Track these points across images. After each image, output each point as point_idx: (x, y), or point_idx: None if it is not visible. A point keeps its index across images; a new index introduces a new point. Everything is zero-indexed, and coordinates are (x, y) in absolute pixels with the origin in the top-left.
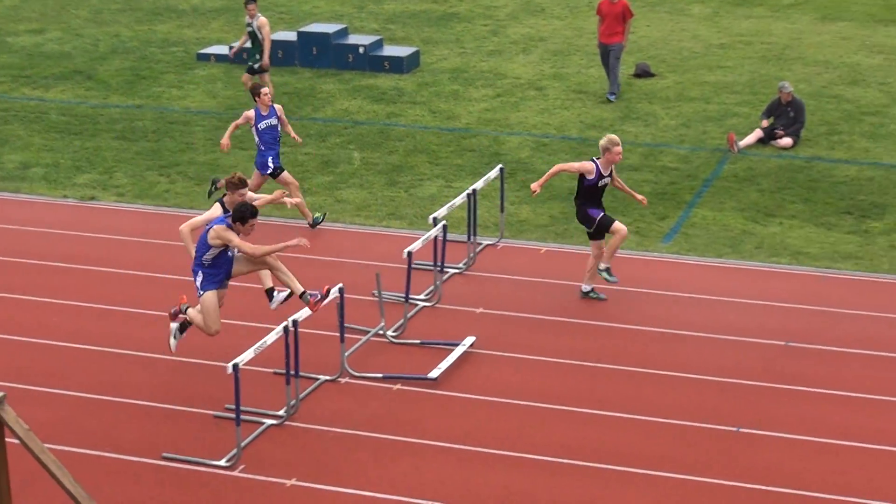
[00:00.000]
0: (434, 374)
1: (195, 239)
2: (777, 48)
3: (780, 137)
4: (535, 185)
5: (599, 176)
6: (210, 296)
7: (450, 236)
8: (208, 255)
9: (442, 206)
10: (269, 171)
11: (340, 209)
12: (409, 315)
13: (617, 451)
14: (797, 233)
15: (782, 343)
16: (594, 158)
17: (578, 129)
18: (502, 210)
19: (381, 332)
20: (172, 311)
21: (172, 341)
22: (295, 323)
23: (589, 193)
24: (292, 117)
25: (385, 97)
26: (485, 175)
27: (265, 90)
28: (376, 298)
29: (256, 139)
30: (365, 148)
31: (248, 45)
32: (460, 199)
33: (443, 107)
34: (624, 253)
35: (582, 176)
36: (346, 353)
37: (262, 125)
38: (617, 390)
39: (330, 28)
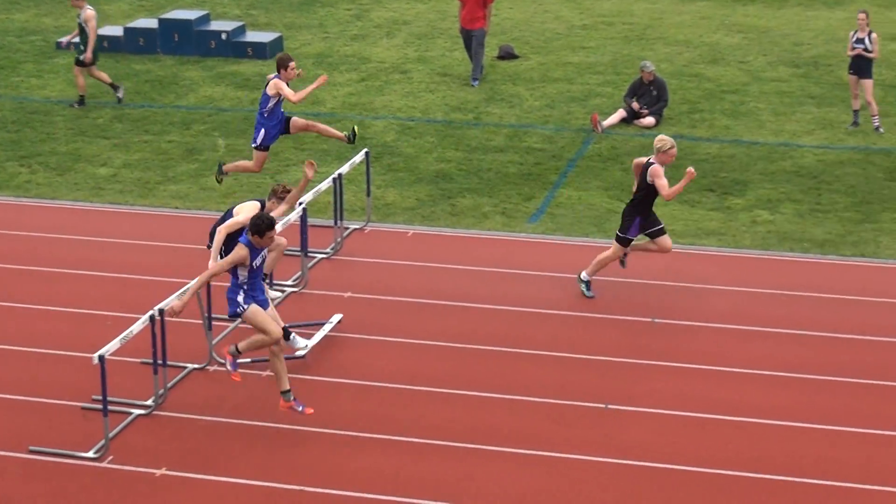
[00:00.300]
0: (301, 352)
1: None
2: (638, 28)
3: (644, 116)
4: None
5: None
6: (253, 307)
7: (317, 221)
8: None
9: (308, 191)
10: (257, 144)
11: (206, 196)
12: (275, 301)
13: (487, 430)
14: (661, 210)
15: (648, 319)
16: (651, 157)
17: (444, 111)
18: (368, 194)
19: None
20: (230, 366)
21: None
22: (161, 312)
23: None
24: (154, 105)
25: (249, 83)
26: (350, 159)
27: (293, 64)
28: None
29: (270, 106)
30: (229, 135)
31: (78, 38)
32: (326, 184)
33: None
34: (490, 234)
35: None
36: (214, 341)
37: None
38: (485, 371)
39: (192, 14)
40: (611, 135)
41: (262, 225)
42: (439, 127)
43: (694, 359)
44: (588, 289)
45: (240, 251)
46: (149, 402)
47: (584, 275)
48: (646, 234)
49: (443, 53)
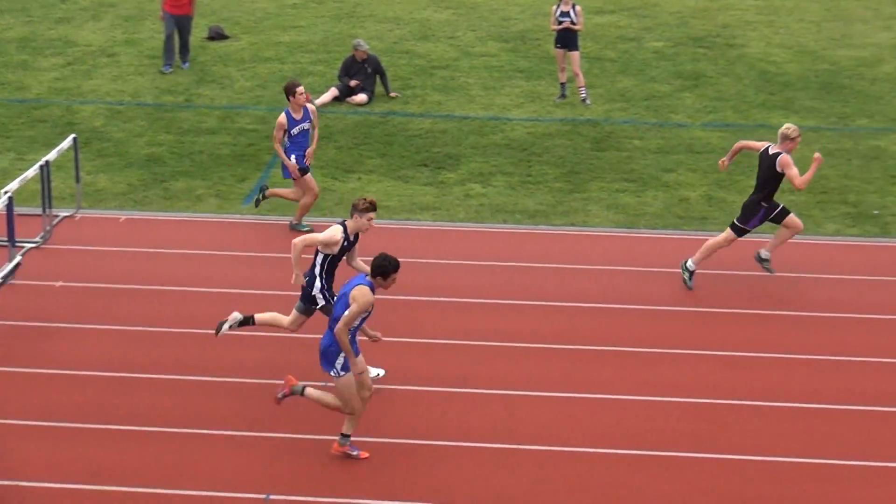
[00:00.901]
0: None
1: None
2: (348, 6)
3: (357, 94)
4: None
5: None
6: (348, 378)
7: (25, 210)
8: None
9: (14, 179)
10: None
11: None
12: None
13: (209, 415)
14: (376, 187)
15: None
16: (772, 146)
17: (154, 94)
18: (78, 180)
19: None
20: (279, 395)
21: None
22: None
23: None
24: None
25: None
26: (58, 146)
27: (301, 89)
28: None
29: (287, 144)
30: None
31: None
32: (33, 172)
33: (11, 78)
34: (205, 216)
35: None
36: None
37: (296, 130)
38: (203, 355)
39: None
40: (324, 113)
41: (388, 267)
42: (149, 110)
43: (411, 332)
44: (690, 279)
45: (367, 295)
46: None
47: (689, 263)
48: (771, 221)
49: (151, 36)
